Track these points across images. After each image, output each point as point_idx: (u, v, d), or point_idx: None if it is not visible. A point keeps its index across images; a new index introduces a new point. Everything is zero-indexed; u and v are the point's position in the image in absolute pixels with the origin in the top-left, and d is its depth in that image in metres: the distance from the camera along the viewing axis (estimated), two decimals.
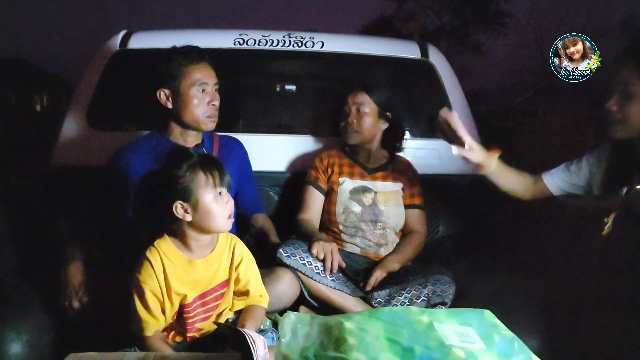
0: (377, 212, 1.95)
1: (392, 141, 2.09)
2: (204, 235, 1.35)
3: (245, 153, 1.99)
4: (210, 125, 1.75)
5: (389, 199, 1.99)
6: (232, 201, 1.36)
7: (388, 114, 2.04)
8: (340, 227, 1.97)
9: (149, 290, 1.31)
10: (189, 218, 1.30)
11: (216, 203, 1.31)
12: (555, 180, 1.69)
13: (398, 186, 2.03)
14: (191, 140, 1.78)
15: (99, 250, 1.70)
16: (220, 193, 1.32)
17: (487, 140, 1.81)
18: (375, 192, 1.99)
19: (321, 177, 2.03)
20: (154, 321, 1.32)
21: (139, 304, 1.31)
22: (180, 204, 1.29)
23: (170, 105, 1.70)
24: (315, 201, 2.01)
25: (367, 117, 1.99)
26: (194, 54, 1.70)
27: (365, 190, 1.99)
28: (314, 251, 1.70)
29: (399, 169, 2.06)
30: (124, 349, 1.27)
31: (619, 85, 1.45)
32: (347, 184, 1.99)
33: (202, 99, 1.70)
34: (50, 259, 1.62)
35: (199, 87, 1.69)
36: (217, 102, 1.74)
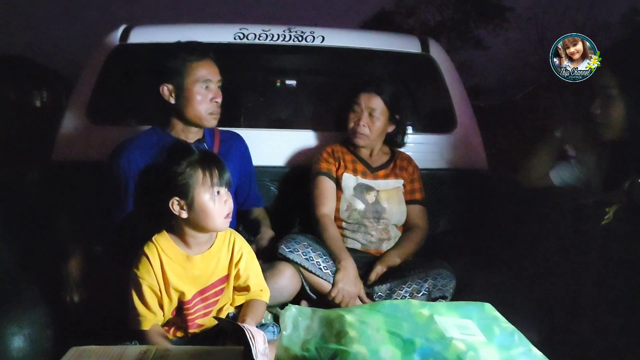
0: (380, 209, 1.95)
1: (394, 138, 2.08)
2: (202, 233, 1.35)
3: (246, 148, 1.98)
4: (212, 122, 1.75)
5: (391, 196, 1.98)
6: (231, 200, 1.35)
7: (397, 116, 2.03)
8: (343, 224, 1.96)
9: (146, 286, 1.30)
10: (184, 215, 1.29)
11: (213, 202, 1.30)
12: (558, 172, 1.73)
13: (399, 182, 2.03)
14: (192, 136, 1.78)
15: (100, 245, 1.70)
16: (218, 192, 1.31)
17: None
18: (378, 191, 1.98)
19: (333, 168, 2.00)
20: (151, 315, 1.32)
21: (136, 298, 1.31)
22: (177, 200, 1.28)
23: (173, 101, 1.70)
24: (331, 192, 1.97)
25: (379, 121, 1.97)
26: (198, 50, 1.70)
27: (368, 188, 1.98)
28: (333, 295, 1.70)
29: (401, 165, 2.06)
30: (125, 343, 1.27)
31: (600, 89, 1.49)
32: (350, 181, 1.99)
33: (205, 95, 1.70)
34: (51, 254, 1.63)
35: (203, 84, 1.69)
36: (219, 99, 1.74)
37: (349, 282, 1.71)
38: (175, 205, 1.28)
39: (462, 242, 2.10)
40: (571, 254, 1.49)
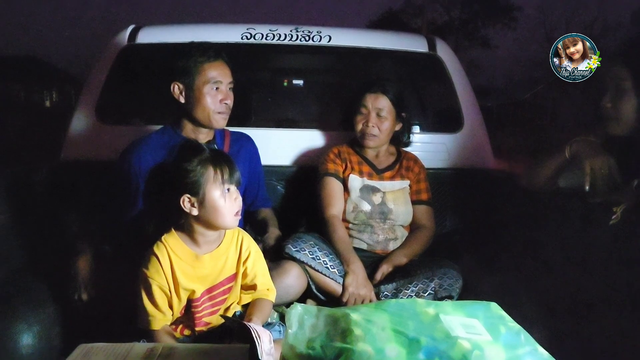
0: (386, 210, 1.95)
1: (400, 137, 2.08)
2: (211, 231, 1.36)
3: (255, 149, 1.99)
4: (221, 122, 1.75)
5: (397, 197, 1.98)
6: (240, 198, 1.36)
7: (403, 114, 2.03)
8: (350, 224, 1.96)
9: (156, 286, 1.31)
10: (195, 212, 1.30)
11: (223, 199, 1.31)
12: (566, 176, 1.72)
13: (405, 183, 2.03)
14: (203, 137, 1.78)
15: (109, 243, 1.71)
16: (228, 189, 1.32)
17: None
18: (384, 192, 1.98)
19: (340, 169, 2.01)
20: (161, 316, 1.33)
21: (146, 298, 1.32)
22: (188, 197, 1.29)
23: (182, 100, 1.71)
24: (339, 193, 1.97)
25: (387, 121, 1.97)
26: (211, 51, 1.70)
27: (374, 190, 1.98)
28: (345, 299, 1.71)
29: (407, 166, 2.05)
30: (133, 341, 1.28)
31: (612, 82, 1.47)
32: (356, 183, 1.99)
33: (214, 96, 1.71)
34: (60, 253, 1.64)
35: (213, 85, 1.70)
36: (229, 101, 1.74)
37: (359, 285, 1.71)
38: (186, 202, 1.29)
39: (468, 242, 2.09)
40: (578, 253, 1.48)
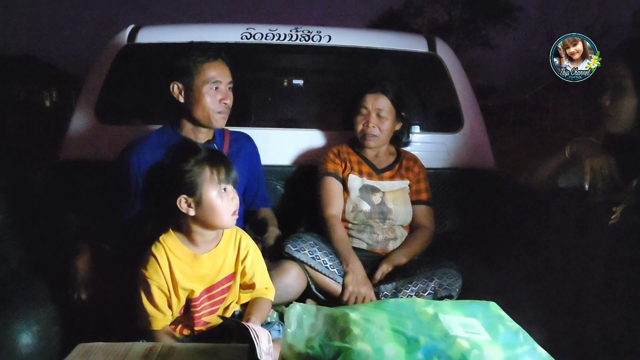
0: (386, 210, 1.95)
1: (400, 136, 2.08)
2: (209, 231, 1.35)
3: (255, 149, 1.99)
4: (220, 122, 1.75)
5: (397, 197, 1.98)
6: (237, 198, 1.35)
7: (403, 114, 2.03)
8: (349, 224, 1.96)
9: (155, 286, 1.31)
10: (192, 213, 1.29)
11: (220, 199, 1.30)
12: (566, 176, 1.71)
13: (405, 183, 2.03)
14: (202, 136, 1.78)
15: (108, 243, 1.71)
16: (225, 189, 1.32)
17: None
18: (384, 192, 1.98)
19: (339, 169, 2.01)
20: (161, 316, 1.33)
21: (145, 299, 1.32)
22: (185, 198, 1.28)
23: (182, 100, 1.71)
24: (338, 192, 1.97)
25: (387, 121, 1.97)
26: (210, 51, 1.70)
27: (373, 190, 1.98)
28: (345, 298, 1.70)
29: (406, 166, 2.05)
30: (132, 341, 1.28)
31: (612, 80, 1.47)
32: (356, 182, 1.99)
33: (214, 96, 1.71)
34: (59, 252, 1.64)
35: (212, 85, 1.70)
36: (228, 101, 1.74)
37: (359, 283, 1.71)
38: (182, 203, 1.29)
39: (468, 242, 2.09)
40: (577, 253, 1.48)
